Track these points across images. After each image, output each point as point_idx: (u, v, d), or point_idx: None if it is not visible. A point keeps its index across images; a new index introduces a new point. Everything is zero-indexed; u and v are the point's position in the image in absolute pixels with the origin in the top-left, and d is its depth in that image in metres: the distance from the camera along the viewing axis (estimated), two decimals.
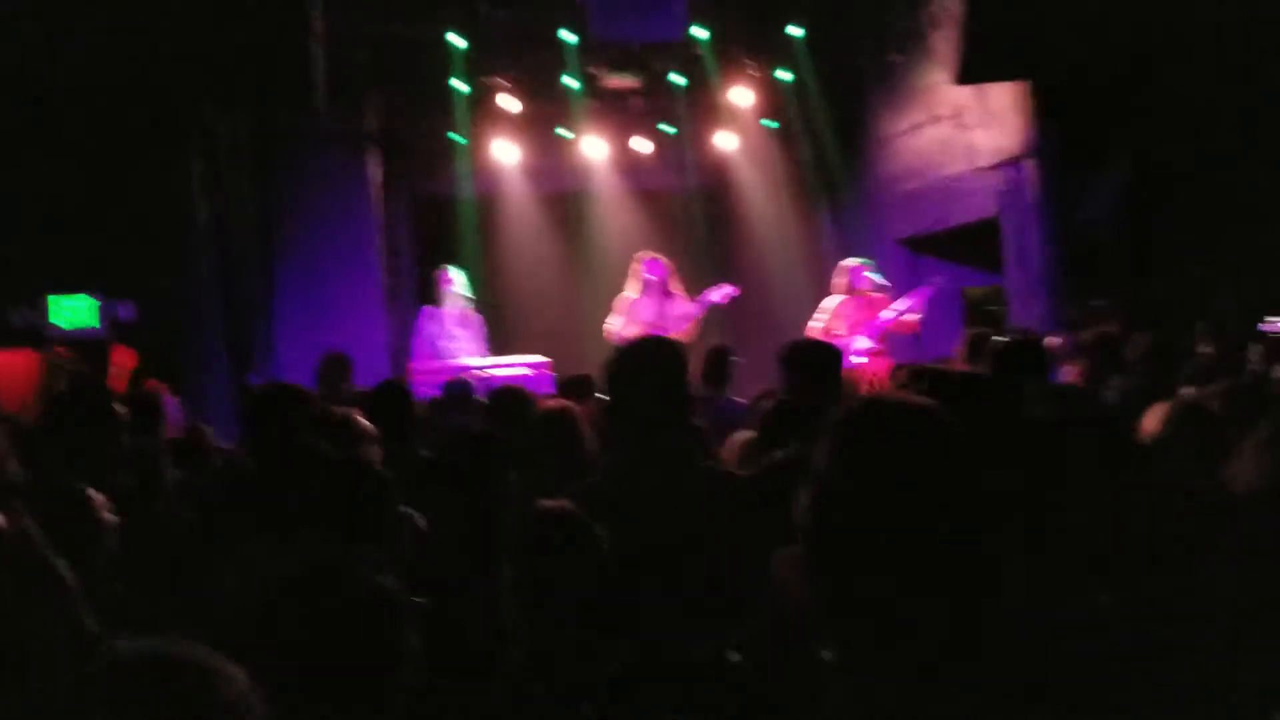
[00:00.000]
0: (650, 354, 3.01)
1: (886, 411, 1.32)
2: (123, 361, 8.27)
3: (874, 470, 1.23)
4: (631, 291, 9.79)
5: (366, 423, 3.91)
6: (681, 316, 9.65)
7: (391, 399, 4.48)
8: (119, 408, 3.55)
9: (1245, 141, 9.03)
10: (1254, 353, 5.89)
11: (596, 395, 4.61)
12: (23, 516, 2.17)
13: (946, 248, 11.56)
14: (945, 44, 9.40)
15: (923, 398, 1.33)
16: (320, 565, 1.88)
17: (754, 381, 8.45)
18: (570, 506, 2.41)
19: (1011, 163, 9.98)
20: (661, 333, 9.65)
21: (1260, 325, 7.03)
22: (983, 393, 1.68)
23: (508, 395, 5.30)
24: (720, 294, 9.77)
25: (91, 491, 2.75)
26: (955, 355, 6.35)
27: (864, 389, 6.11)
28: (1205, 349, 6.70)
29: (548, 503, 2.47)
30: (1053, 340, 7.46)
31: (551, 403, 5.25)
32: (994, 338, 5.89)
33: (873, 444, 1.26)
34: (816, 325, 9.64)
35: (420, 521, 3.50)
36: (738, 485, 2.26)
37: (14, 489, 2.87)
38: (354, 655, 1.77)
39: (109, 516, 2.76)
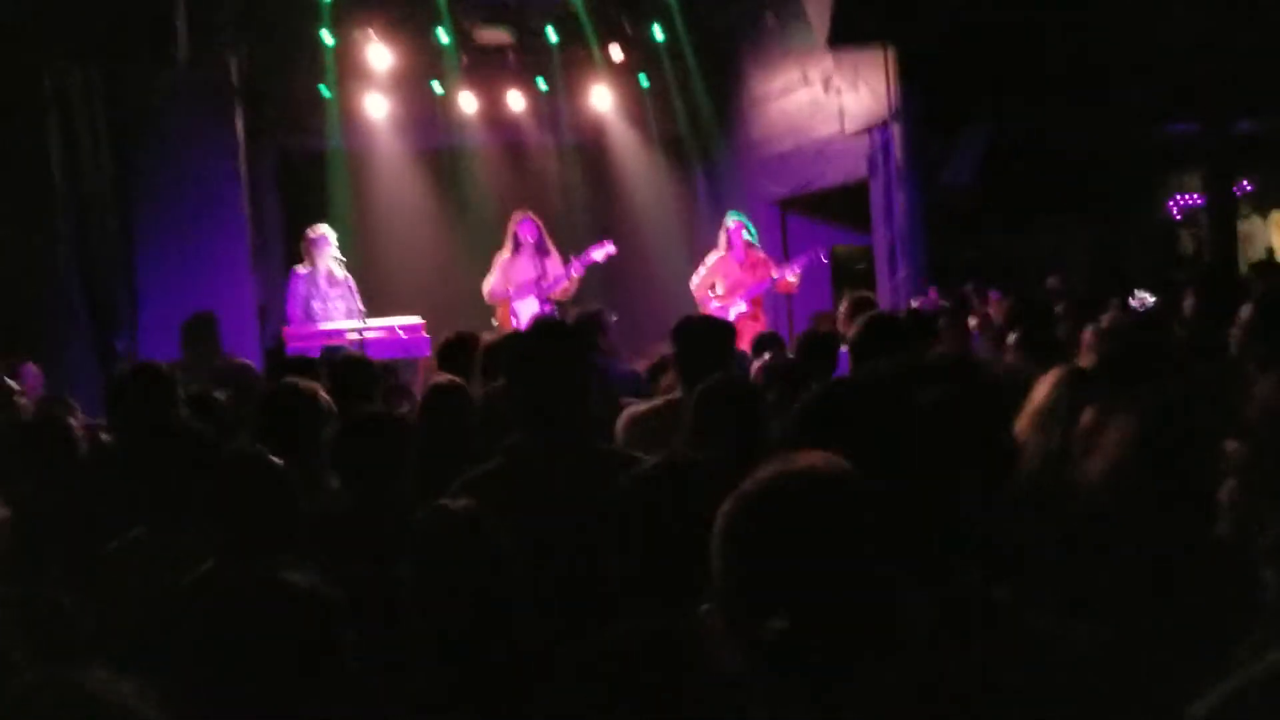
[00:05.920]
0: (550, 339, 3.03)
1: (797, 488, 1.32)
2: None
3: (785, 546, 1.26)
4: (507, 252, 9.79)
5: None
6: (559, 276, 9.68)
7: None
8: None
9: (1102, 105, 9.40)
10: None
11: (492, 375, 4.56)
12: None
13: (817, 208, 11.79)
14: (817, 6, 9.51)
15: (832, 465, 1.34)
16: (255, 573, 1.86)
17: (629, 339, 8.51)
18: (473, 507, 2.37)
19: (879, 126, 10.19)
20: (539, 291, 9.69)
21: (1131, 300, 7.34)
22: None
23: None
24: (602, 252, 9.81)
25: None
26: (838, 316, 6.51)
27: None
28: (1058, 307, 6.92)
29: (450, 503, 2.41)
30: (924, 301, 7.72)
31: (440, 378, 5.11)
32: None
33: (784, 522, 1.28)
34: (696, 281, 9.89)
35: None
36: (640, 475, 2.28)
37: None
38: (296, 660, 1.77)
39: None
